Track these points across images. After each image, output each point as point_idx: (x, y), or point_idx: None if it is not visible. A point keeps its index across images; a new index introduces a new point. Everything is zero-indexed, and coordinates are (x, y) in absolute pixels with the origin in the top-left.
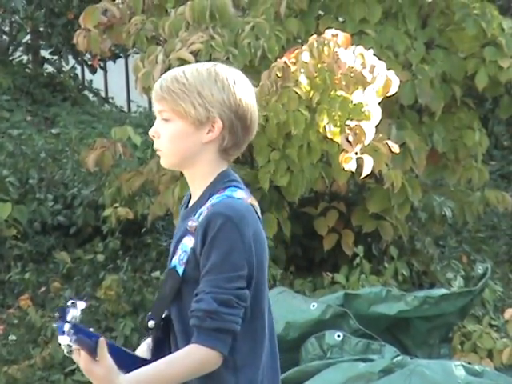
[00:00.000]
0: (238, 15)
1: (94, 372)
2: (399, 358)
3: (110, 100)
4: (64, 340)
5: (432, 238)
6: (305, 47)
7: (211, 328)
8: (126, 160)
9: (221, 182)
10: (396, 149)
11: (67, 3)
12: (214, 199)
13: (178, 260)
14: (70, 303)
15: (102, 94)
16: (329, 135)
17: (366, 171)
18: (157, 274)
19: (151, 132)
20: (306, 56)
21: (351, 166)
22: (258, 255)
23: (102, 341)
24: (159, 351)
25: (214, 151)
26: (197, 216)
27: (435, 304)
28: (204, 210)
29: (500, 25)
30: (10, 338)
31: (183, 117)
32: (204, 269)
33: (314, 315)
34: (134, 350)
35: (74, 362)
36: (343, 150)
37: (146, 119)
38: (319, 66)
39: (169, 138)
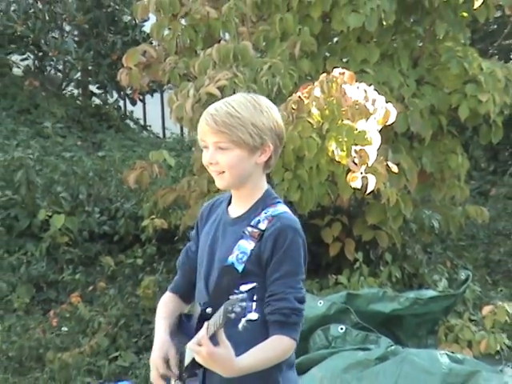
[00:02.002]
0: (258, 56)
1: (217, 355)
2: (393, 347)
3: (148, 128)
4: (254, 316)
5: (421, 245)
6: (316, 84)
7: (295, 322)
8: (162, 179)
9: (269, 198)
10: (395, 169)
11: (112, 46)
12: (271, 212)
13: (236, 259)
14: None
15: (141, 122)
16: (337, 158)
17: (370, 188)
18: None
19: (209, 159)
20: (317, 91)
21: (357, 184)
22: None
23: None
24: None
25: (261, 169)
26: (254, 223)
27: (424, 304)
28: (261, 218)
29: (479, 65)
30: (62, 329)
31: (241, 145)
32: (277, 273)
33: (320, 311)
34: None
35: (117, 350)
36: (349, 170)
37: (179, 144)
38: (328, 99)
39: (229, 164)
